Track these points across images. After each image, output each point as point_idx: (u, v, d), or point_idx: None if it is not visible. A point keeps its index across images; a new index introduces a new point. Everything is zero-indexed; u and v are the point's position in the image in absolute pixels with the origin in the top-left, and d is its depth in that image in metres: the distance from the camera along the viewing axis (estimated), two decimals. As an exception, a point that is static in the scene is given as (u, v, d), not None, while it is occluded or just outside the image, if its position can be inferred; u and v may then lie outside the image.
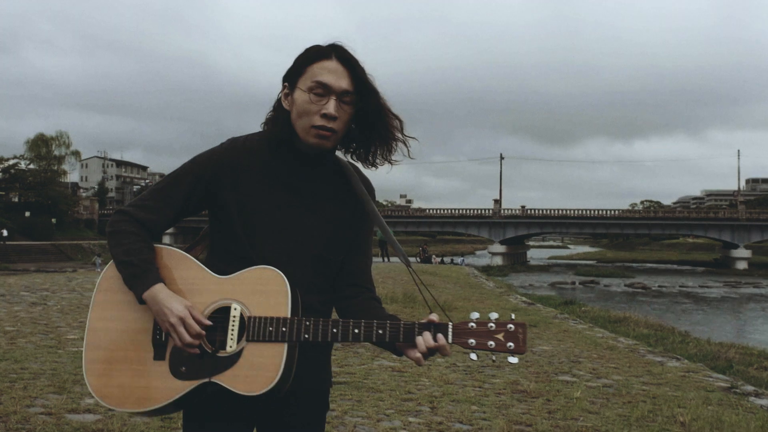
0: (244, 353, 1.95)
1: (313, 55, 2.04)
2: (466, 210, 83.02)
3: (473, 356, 1.97)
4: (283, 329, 1.94)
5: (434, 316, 1.96)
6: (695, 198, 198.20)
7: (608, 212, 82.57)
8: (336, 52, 2.04)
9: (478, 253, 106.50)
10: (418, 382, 6.62)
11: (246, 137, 2.13)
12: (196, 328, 1.94)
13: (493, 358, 1.98)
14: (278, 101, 2.11)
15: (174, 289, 2.02)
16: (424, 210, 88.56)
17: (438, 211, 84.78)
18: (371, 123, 2.09)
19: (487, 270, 50.36)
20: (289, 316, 1.95)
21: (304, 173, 2.10)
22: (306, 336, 1.95)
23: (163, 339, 2.00)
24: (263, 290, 1.98)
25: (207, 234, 2.23)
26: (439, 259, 53.25)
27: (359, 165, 2.19)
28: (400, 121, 2.11)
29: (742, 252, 75.20)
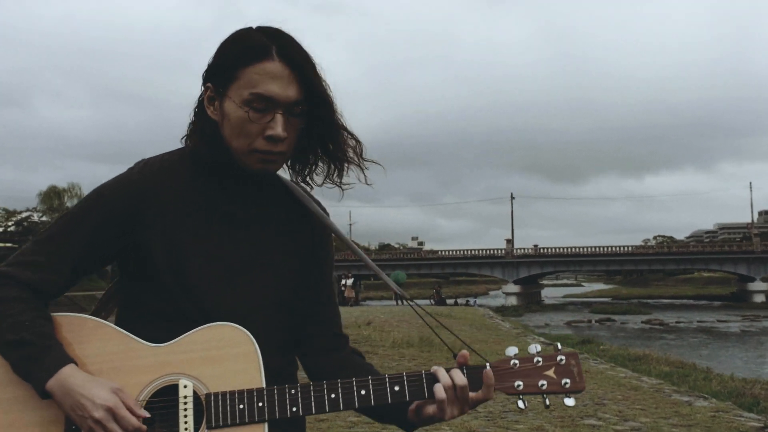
0: None
1: (246, 53, 1.52)
2: (478, 251, 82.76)
3: (521, 404, 1.55)
4: (260, 404, 1.46)
5: (464, 355, 1.55)
6: (708, 232, 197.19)
7: (621, 249, 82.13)
8: (278, 47, 1.53)
9: (491, 293, 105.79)
10: (439, 430, 6.40)
11: (162, 157, 1.64)
12: (134, 420, 1.42)
13: (547, 402, 1.56)
14: (200, 105, 1.61)
15: (91, 370, 1.48)
16: (437, 252, 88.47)
17: (450, 253, 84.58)
18: (320, 138, 1.62)
19: (501, 310, 49.94)
20: (263, 385, 1.48)
21: (245, 197, 1.62)
22: (294, 409, 1.47)
23: None
24: (221, 356, 1.49)
25: (115, 294, 1.72)
26: (452, 301, 52.88)
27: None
28: (358, 142, 1.65)
29: (759, 285, 74.36)
